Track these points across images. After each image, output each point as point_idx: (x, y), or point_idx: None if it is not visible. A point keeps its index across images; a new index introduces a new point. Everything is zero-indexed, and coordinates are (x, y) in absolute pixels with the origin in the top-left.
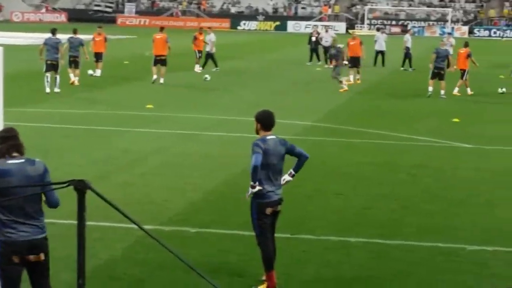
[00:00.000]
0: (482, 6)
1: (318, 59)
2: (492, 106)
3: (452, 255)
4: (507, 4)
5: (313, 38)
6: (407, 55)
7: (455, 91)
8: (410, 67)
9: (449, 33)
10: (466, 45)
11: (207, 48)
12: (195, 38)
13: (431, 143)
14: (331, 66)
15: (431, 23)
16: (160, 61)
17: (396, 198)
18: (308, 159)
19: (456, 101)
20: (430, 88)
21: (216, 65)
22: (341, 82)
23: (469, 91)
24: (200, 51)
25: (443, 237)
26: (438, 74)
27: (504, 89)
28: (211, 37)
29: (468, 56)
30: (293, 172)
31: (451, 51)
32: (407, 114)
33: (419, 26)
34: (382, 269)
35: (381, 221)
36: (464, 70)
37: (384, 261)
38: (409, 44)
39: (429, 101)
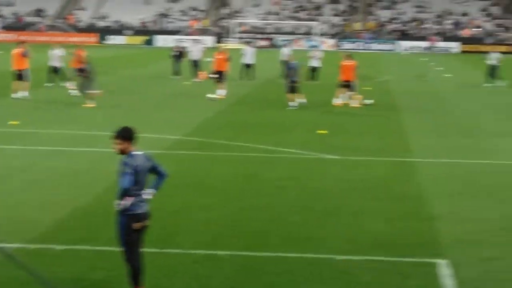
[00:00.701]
0: (348, 19)
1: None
2: (357, 117)
3: (319, 265)
4: (371, 17)
5: (176, 53)
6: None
7: (354, 103)
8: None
9: (315, 46)
10: (350, 57)
11: (56, 63)
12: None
13: (298, 155)
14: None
15: (298, 36)
16: (19, 76)
17: (263, 210)
18: (168, 177)
19: (322, 113)
20: (291, 103)
21: (63, 80)
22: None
23: (365, 101)
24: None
25: (311, 247)
26: (293, 88)
27: (371, 101)
28: (58, 52)
29: (356, 68)
30: (154, 191)
31: (317, 63)
32: (275, 127)
33: (287, 40)
34: (250, 281)
35: (249, 234)
36: (349, 82)
37: (252, 273)
38: (285, 58)
39: (296, 113)
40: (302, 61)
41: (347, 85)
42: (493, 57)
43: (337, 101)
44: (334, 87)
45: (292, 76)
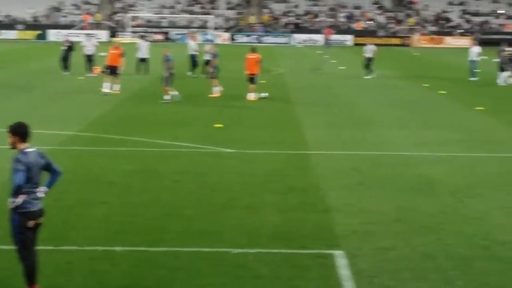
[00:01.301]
0: (242, 13)
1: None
2: (252, 111)
3: (216, 259)
4: (266, 10)
5: (64, 47)
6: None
7: (251, 96)
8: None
9: (210, 40)
10: (254, 50)
11: None
12: None
13: (194, 149)
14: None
15: (193, 30)
16: None
17: (160, 205)
18: (62, 174)
19: (218, 107)
20: (167, 97)
21: None
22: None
23: (259, 94)
24: None
25: (207, 241)
26: (170, 80)
27: (266, 94)
28: None
29: (259, 61)
30: (47, 189)
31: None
32: (171, 121)
33: (182, 33)
34: (146, 276)
35: (145, 229)
36: (253, 75)
37: (148, 269)
38: (193, 52)
39: (192, 107)
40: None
41: (252, 78)
42: (368, 50)
43: (251, 96)
44: (229, 80)
45: (170, 69)
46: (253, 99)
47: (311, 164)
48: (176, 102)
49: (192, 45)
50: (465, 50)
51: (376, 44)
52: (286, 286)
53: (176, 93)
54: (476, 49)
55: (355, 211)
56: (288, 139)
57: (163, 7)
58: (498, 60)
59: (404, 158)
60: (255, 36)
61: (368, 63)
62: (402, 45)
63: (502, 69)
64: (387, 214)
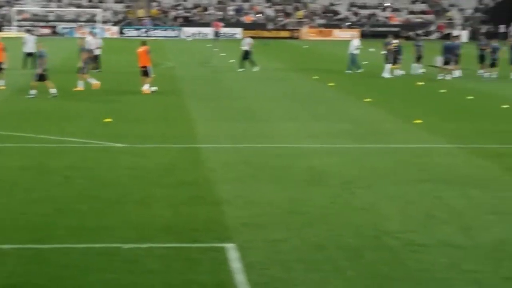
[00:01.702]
0: (130, 6)
1: None
2: (142, 105)
3: (107, 254)
4: (154, 4)
5: None
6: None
7: (146, 88)
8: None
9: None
10: (144, 43)
11: None
12: None
13: (84, 144)
14: None
15: (81, 24)
16: None
17: (50, 201)
18: None
19: (107, 101)
20: (32, 91)
21: None
22: None
23: (150, 88)
24: None
25: (98, 237)
26: (42, 76)
27: (155, 88)
28: None
29: (148, 53)
30: None
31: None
32: (59, 116)
33: (69, 27)
34: (37, 274)
35: (35, 226)
36: (146, 67)
37: (39, 266)
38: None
39: (80, 101)
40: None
41: (144, 71)
42: (245, 43)
43: (145, 88)
44: (117, 75)
45: (42, 65)
46: (147, 91)
47: (202, 158)
48: (63, 97)
49: (91, 41)
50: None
51: (266, 37)
52: (178, 280)
53: (53, 90)
54: (356, 42)
55: (247, 203)
56: (179, 133)
57: (50, 0)
58: (384, 52)
59: (295, 150)
60: (144, 30)
61: (246, 56)
62: (291, 38)
63: (388, 61)
64: (278, 206)
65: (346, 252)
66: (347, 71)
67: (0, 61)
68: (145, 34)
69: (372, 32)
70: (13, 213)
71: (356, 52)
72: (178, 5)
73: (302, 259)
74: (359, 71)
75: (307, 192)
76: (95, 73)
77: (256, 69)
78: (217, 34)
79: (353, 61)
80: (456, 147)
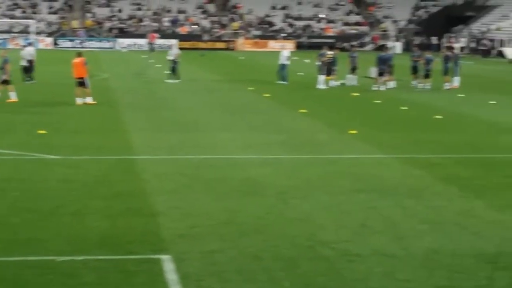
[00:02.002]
0: (65, 17)
1: None
2: (77, 116)
3: (41, 268)
4: (89, 15)
5: None
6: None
7: (89, 99)
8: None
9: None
10: (80, 54)
11: None
12: None
13: (17, 156)
14: None
15: (14, 35)
16: None
17: None
18: None
19: (41, 113)
20: None
21: None
22: None
23: (88, 100)
24: None
25: (32, 250)
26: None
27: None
28: None
29: (85, 64)
30: None
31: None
32: None
33: (2, 38)
34: None
35: None
36: (83, 78)
37: None
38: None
39: (12, 113)
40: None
41: (81, 82)
42: (172, 54)
43: (78, 100)
44: (51, 86)
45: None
46: (81, 103)
47: (137, 169)
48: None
49: (31, 51)
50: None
51: (202, 49)
52: None
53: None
54: (286, 52)
55: (182, 214)
56: (114, 144)
57: None
58: (319, 63)
59: (230, 161)
60: (79, 41)
61: (173, 66)
62: (227, 49)
63: (322, 72)
64: (214, 217)
65: (282, 263)
66: (279, 82)
67: None
68: (79, 45)
69: (308, 44)
70: None
71: (287, 63)
72: (113, 16)
73: (238, 270)
74: (284, 82)
75: (243, 203)
76: (29, 84)
77: (177, 81)
78: (151, 45)
79: (283, 72)
80: (390, 157)
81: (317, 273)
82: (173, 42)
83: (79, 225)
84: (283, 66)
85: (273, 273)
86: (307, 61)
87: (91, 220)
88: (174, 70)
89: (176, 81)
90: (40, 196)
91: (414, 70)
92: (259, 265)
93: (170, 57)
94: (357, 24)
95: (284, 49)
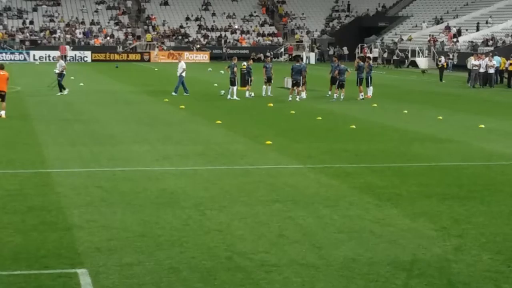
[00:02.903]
0: None
1: None
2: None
3: None
4: (0, 27)
5: None
6: None
7: (3, 113)
8: None
9: None
10: (2, 67)
11: None
12: None
13: None
14: None
15: None
16: None
17: None
18: None
19: None
20: None
21: None
22: None
23: (3, 114)
24: None
25: None
26: None
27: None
28: None
29: (7, 78)
30: None
31: None
32: None
33: None
34: None
35: None
36: (5, 92)
37: None
38: None
39: None
40: None
41: (2, 96)
42: (58, 66)
43: (2, 113)
44: None
45: None
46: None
47: (51, 182)
48: None
49: None
50: (202, 65)
51: (117, 60)
52: None
53: None
54: (183, 64)
55: (99, 227)
56: (27, 158)
57: None
58: (230, 74)
59: (146, 173)
60: None
61: (59, 79)
62: (142, 60)
63: (233, 83)
64: (131, 229)
65: (199, 274)
66: (173, 93)
67: None
68: None
69: (223, 54)
70: None
71: (183, 74)
72: (25, 28)
73: (156, 283)
74: (174, 94)
75: (160, 215)
76: None
77: (65, 92)
78: (64, 57)
79: (181, 83)
80: (306, 167)
81: (235, 284)
82: (87, 54)
83: None
84: (180, 78)
85: (191, 285)
86: (222, 72)
87: (4, 234)
88: (59, 83)
89: (65, 92)
90: None
91: (333, 80)
92: (177, 277)
93: (56, 70)
94: (272, 35)
95: (181, 61)
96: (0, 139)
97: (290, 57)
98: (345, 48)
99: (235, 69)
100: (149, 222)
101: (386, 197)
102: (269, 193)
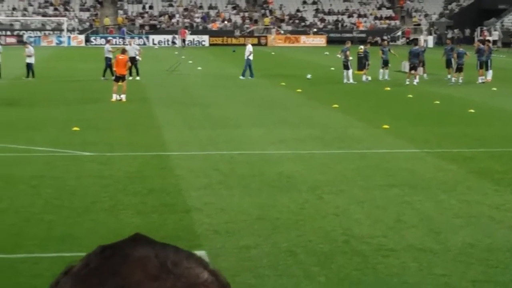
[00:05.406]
0: (96, 14)
1: None
2: (109, 113)
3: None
4: (121, 12)
5: None
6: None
7: (116, 97)
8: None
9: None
10: (124, 51)
11: None
12: None
13: (51, 153)
14: None
15: (47, 32)
16: None
17: (16, 211)
18: None
19: (75, 110)
20: None
21: None
22: None
23: (124, 97)
24: None
25: (66, 246)
26: None
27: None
28: None
29: (127, 61)
30: None
31: (31, 60)
32: (25, 125)
33: (36, 36)
34: (7, 284)
35: (3, 236)
36: (124, 75)
37: (6, 276)
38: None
39: (48, 110)
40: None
41: (122, 78)
42: (132, 49)
43: (114, 97)
44: (83, 83)
45: None
46: (115, 100)
47: (170, 165)
48: (28, 106)
49: (108, 48)
50: (320, 48)
51: (233, 44)
52: None
53: None
54: (249, 47)
55: (216, 210)
56: (147, 141)
57: (15, 9)
58: (340, 57)
59: (263, 156)
60: (110, 38)
61: (133, 63)
62: (259, 44)
63: (347, 67)
64: (248, 212)
65: (316, 258)
66: (241, 77)
67: None
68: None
69: (339, 38)
70: None
71: (250, 57)
72: (145, 13)
73: (273, 265)
74: (242, 78)
75: (276, 198)
76: (27, 80)
77: (137, 78)
78: (182, 41)
79: (249, 66)
80: (423, 151)
81: (352, 268)
82: (205, 38)
83: (113, 222)
84: (247, 61)
85: (308, 268)
86: (339, 56)
87: (124, 216)
88: (135, 66)
89: (138, 78)
90: (73, 193)
91: (448, 64)
92: (294, 260)
93: (131, 54)
94: (389, 18)
95: (248, 44)
96: (120, 122)
97: (408, 40)
98: (466, 31)
99: (348, 52)
100: (266, 205)
101: (506, 183)
102: (386, 177)
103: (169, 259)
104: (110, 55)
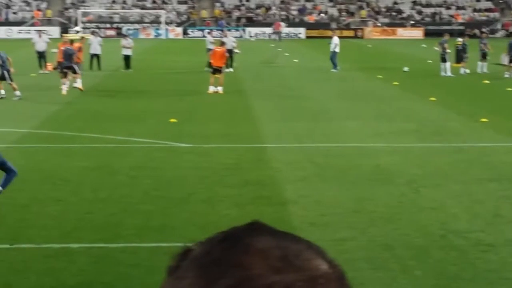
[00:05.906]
0: (194, 7)
1: None
2: (206, 105)
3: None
4: (217, 4)
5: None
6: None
7: (213, 89)
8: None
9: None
10: (223, 44)
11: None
12: None
13: (149, 144)
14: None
15: (145, 25)
16: None
17: (116, 201)
18: (17, 175)
19: (173, 101)
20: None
21: None
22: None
23: (221, 89)
24: None
25: (164, 236)
26: (2, 76)
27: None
28: None
29: (224, 54)
30: (1, 189)
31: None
32: (125, 116)
33: (134, 29)
34: (104, 273)
35: (102, 225)
36: (220, 68)
37: (106, 265)
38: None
39: (146, 102)
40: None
41: (218, 70)
42: (229, 41)
43: (211, 89)
44: (180, 75)
45: (3, 65)
46: (212, 92)
47: (266, 157)
48: (128, 98)
49: (210, 39)
50: (417, 41)
51: (329, 37)
52: None
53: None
54: (336, 39)
55: (312, 203)
56: (243, 133)
57: (114, 2)
58: (438, 50)
59: (359, 149)
60: (208, 30)
61: (230, 55)
62: (355, 37)
63: (444, 60)
64: (344, 205)
65: (413, 251)
66: (332, 70)
67: (78, 62)
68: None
69: (437, 31)
70: (80, 213)
71: (336, 50)
72: (241, 5)
73: (369, 258)
74: (336, 70)
75: (373, 191)
76: (125, 72)
77: (230, 70)
78: (278, 34)
79: (332, 58)
80: None
81: (449, 262)
82: (301, 30)
83: (209, 213)
84: (333, 54)
85: (404, 262)
86: (436, 48)
87: (221, 207)
88: (230, 58)
89: (230, 69)
90: (171, 184)
91: None
92: (390, 253)
93: (228, 47)
94: (488, 10)
95: (334, 36)
96: (218, 114)
97: (507, 33)
98: None
99: (446, 45)
100: (362, 198)
101: None
102: (484, 171)
103: (291, 250)
104: (212, 47)
